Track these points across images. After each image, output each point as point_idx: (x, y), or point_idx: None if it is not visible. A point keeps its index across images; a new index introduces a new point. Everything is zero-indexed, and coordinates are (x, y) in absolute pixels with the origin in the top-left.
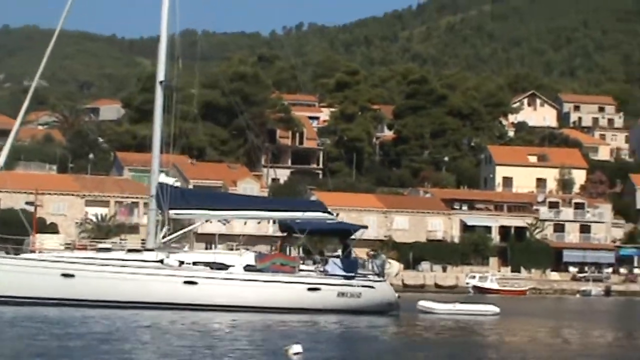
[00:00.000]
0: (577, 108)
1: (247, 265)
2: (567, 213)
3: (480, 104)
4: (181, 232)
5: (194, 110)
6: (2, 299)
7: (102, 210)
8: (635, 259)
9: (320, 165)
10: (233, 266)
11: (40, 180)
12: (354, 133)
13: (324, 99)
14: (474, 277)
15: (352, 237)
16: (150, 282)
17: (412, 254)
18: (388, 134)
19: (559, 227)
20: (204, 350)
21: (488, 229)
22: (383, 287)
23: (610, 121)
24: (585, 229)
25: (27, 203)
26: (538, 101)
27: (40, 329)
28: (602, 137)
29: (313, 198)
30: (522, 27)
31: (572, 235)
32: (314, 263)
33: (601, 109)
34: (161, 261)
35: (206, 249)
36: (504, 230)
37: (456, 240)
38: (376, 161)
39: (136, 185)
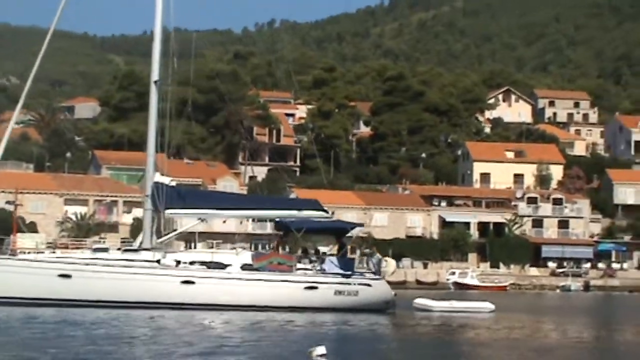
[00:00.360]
0: (552, 103)
1: (244, 265)
2: (546, 209)
3: (457, 100)
4: (177, 232)
5: (189, 109)
6: None
7: (81, 209)
8: (613, 253)
9: (298, 163)
10: (230, 265)
11: (19, 179)
12: (332, 130)
13: (299, 96)
14: (453, 273)
15: (349, 235)
16: (148, 282)
17: (391, 251)
18: (365, 130)
19: (538, 223)
20: (237, 351)
21: (467, 225)
22: (380, 285)
23: (585, 116)
24: (563, 224)
25: (7, 202)
26: (513, 97)
27: (59, 331)
28: (578, 132)
29: (292, 195)
30: (493, 23)
31: (550, 230)
32: (311, 262)
33: (576, 105)
34: (158, 261)
35: (186, 247)
36: (482, 226)
37: (435, 236)
38: (353, 158)
39: (115, 184)
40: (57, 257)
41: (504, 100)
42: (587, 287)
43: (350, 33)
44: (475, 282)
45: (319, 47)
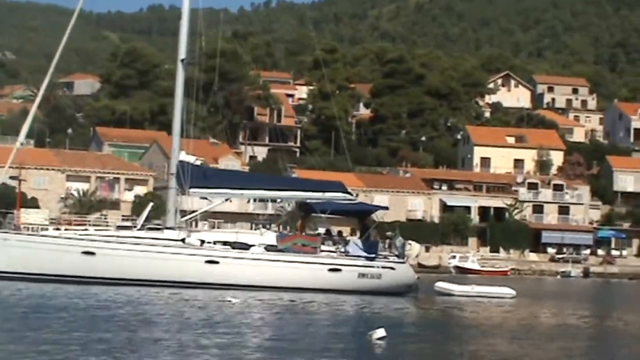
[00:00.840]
0: (550, 89)
1: (269, 246)
2: (546, 194)
3: (458, 84)
4: (200, 210)
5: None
6: (21, 276)
7: (82, 186)
8: (613, 241)
9: (298, 144)
10: (254, 246)
11: (21, 154)
12: (332, 111)
13: (298, 77)
14: (454, 257)
15: (372, 217)
16: (172, 260)
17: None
18: (364, 112)
19: (538, 208)
20: (302, 334)
21: (467, 209)
22: (403, 268)
23: (584, 103)
24: (563, 210)
25: (11, 177)
26: (512, 82)
27: (111, 310)
28: (576, 118)
29: (294, 176)
30: (491, 8)
31: (550, 216)
32: (334, 244)
33: (575, 91)
34: (183, 240)
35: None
36: (483, 210)
37: (436, 220)
38: (352, 140)
39: (117, 161)
40: (81, 234)
41: (502, 85)
42: (586, 273)
43: (348, 14)
44: (476, 266)
45: (316, 28)
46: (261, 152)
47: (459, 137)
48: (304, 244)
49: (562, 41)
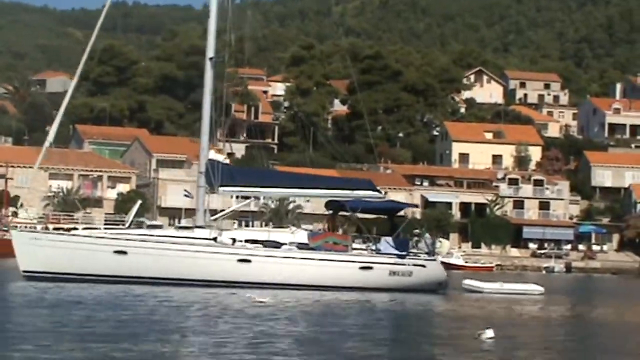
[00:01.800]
0: (522, 85)
1: (300, 244)
2: (526, 190)
3: (434, 80)
4: (229, 210)
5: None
6: (51, 275)
7: (65, 184)
8: (593, 235)
9: (276, 140)
10: (286, 244)
11: (2, 152)
12: (310, 107)
13: (271, 74)
14: None
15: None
16: (204, 259)
17: (375, 230)
18: (340, 109)
19: (519, 204)
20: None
21: (449, 205)
22: (434, 265)
23: (556, 98)
24: (544, 205)
25: None
26: (485, 77)
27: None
28: (550, 114)
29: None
30: (455, 3)
31: (531, 211)
32: (364, 242)
33: (547, 86)
34: (215, 239)
35: (169, 224)
36: (464, 206)
37: (417, 216)
38: (329, 136)
39: (99, 158)
40: (112, 234)
41: (475, 81)
42: (569, 268)
43: (313, 10)
44: (461, 262)
45: (281, 25)
46: (239, 149)
47: (435, 133)
48: (336, 242)
49: (527, 36)
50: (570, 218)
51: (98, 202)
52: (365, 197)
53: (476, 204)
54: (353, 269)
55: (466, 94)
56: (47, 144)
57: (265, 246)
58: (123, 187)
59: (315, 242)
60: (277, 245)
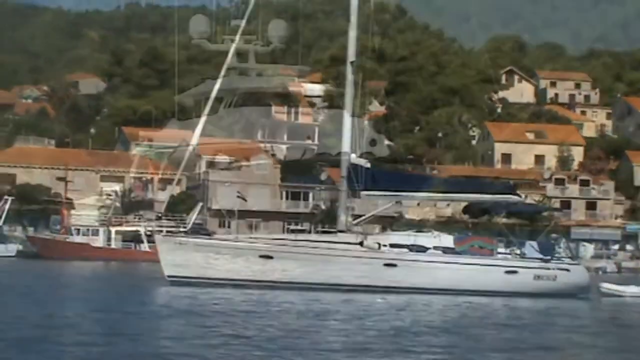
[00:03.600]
0: (553, 84)
1: (446, 248)
2: (573, 190)
3: (472, 81)
4: (370, 214)
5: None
6: (196, 280)
7: (116, 186)
8: None
9: (316, 141)
10: (431, 249)
11: (59, 154)
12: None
13: (307, 74)
14: None
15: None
16: (351, 264)
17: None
18: (378, 109)
19: (566, 204)
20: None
21: None
22: (577, 270)
23: (587, 97)
24: (591, 205)
25: (58, 179)
26: (516, 77)
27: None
28: (583, 113)
29: (324, 174)
30: (471, 3)
31: (578, 212)
32: (508, 245)
33: (577, 86)
34: (360, 243)
35: (220, 225)
36: None
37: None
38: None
39: (148, 160)
40: (257, 238)
41: (506, 81)
42: (619, 269)
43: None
44: None
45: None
46: (279, 151)
47: (473, 133)
48: (481, 246)
49: (541, 37)
50: (616, 218)
51: (149, 205)
52: (504, 200)
53: None
54: (498, 273)
55: (499, 94)
56: (190, 148)
57: (411, 250)
58: (173, 189)
59: (461, 246)
60: (423, 249)
